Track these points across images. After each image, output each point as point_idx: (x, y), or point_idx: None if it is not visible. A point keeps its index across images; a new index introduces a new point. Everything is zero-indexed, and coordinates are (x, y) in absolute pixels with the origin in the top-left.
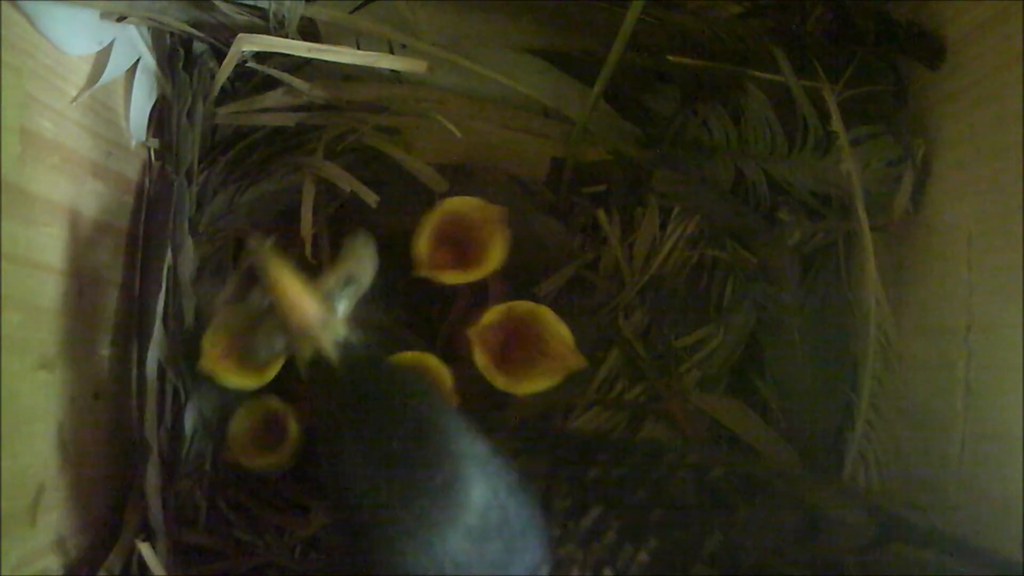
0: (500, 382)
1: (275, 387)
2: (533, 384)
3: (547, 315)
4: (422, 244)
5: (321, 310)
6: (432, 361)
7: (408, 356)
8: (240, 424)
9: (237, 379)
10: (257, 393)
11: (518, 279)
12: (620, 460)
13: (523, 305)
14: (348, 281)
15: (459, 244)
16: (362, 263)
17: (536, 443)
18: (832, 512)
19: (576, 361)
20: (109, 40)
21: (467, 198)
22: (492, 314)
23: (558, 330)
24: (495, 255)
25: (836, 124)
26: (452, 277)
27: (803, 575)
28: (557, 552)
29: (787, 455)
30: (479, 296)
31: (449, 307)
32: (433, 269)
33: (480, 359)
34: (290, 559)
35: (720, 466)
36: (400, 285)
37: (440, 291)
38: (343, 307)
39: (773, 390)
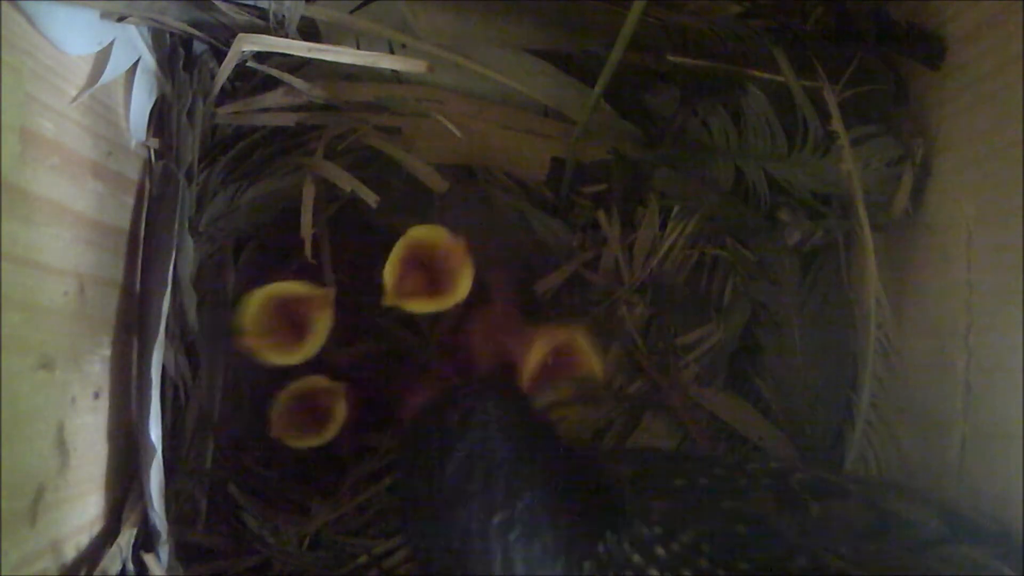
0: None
1: (320, 366)
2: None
3: (582, 341)
4: (389, 272)
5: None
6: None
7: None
8: (283, 403)
9: (276, 357)
10: (301, 372)
11: (519, 279)
12: (705, 471)
13: (563, 333)
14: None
15: (431, 271)
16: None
17: (619, 457)
18: (902, 512)
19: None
20: (109, 40)
21: (433, 227)
22: (538, 352)
23: (591, 358)
24: (462, 285)
25: (836, 124)
26: (420, 305)
27: (873, 571)
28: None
29: (786, 450)
30: (475, 299)
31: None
32: (402, 297)
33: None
34: (296, 554)
35: (800, 473)
36: None
37: None
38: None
39: (773, 390)
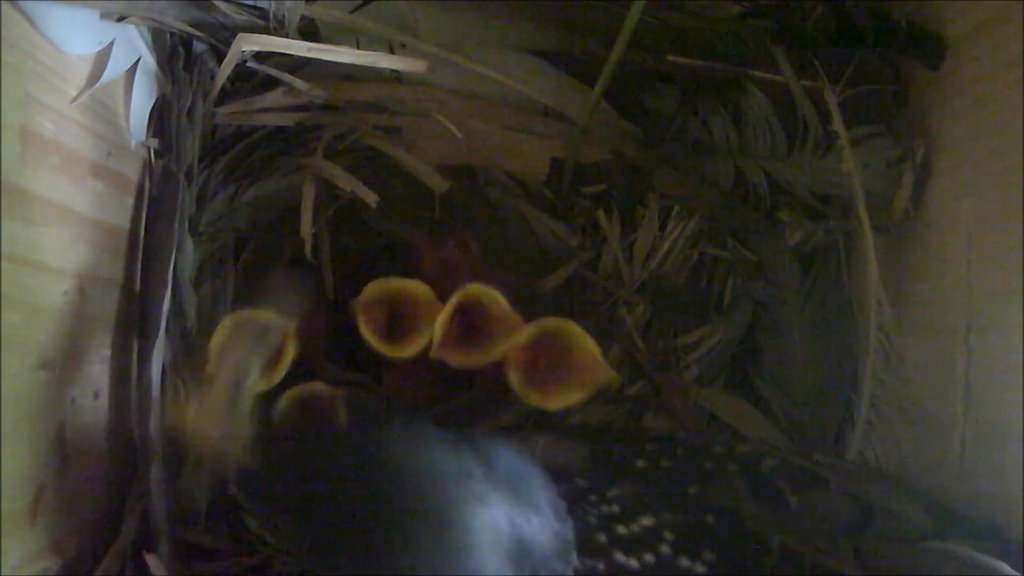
0: (533, 399)
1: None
2: (565, 398)
3: (574, 330)
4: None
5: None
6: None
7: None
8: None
9: None
10: (300, 381)
11: (517, 280)
12: (668, 452)
13: (551, 321)
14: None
15: (403, 317)
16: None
17: (577, 436)
18: (887, 505)
19: (607, 375)
20: (109, 40)
21: (406, 280)
22: (523, 334)
23: (586, 344)
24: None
25: (836, 124)
26: (392, 350)
27: (856, 569)
28: (609, 557)
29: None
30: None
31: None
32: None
33: (514, 378)
34: (295, 554)
35: (770, 458)
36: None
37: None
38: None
39: (773, 390)
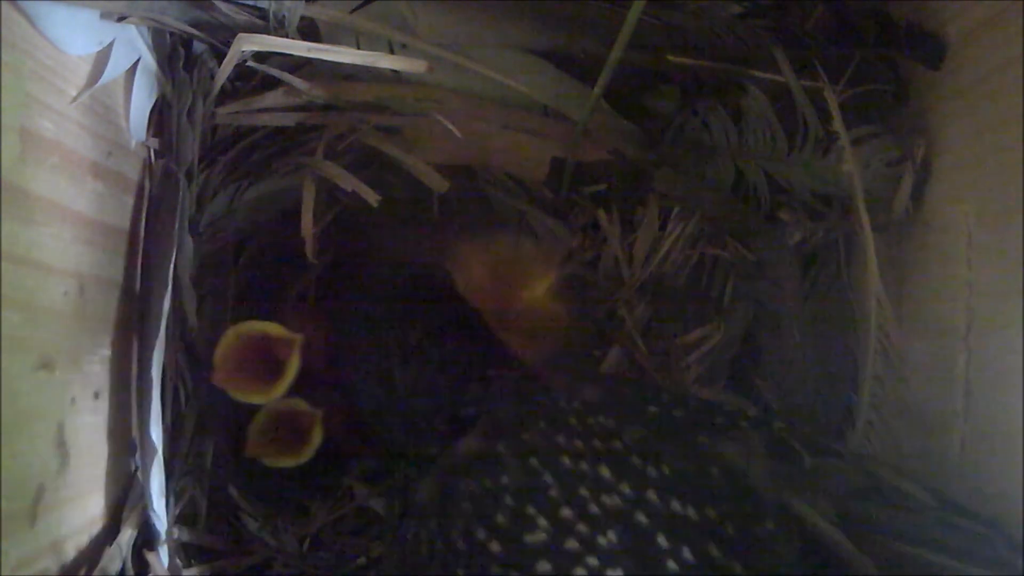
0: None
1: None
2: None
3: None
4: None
5: None
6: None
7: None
8: (261, 422)
9: (244, 396)
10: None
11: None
12: (681, 404)
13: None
14: None
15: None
16: None
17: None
18: (892, 479)
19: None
20: (109, 40)
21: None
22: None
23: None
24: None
25: (836, 124)
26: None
27: (855, 542)
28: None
29: None
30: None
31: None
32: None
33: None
34: (296, 554)
35: (782, 423)
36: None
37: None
38: None
39: (773, 390)
